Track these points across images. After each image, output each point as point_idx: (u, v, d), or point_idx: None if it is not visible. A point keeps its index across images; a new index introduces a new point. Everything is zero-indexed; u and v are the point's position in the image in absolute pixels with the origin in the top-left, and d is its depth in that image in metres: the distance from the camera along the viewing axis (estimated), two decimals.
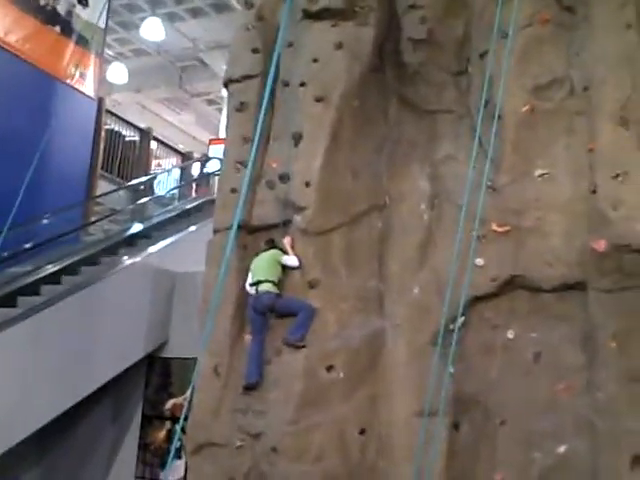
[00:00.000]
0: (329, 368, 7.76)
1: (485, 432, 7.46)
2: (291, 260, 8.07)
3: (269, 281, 8.02)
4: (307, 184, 8.13)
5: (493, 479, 7.28)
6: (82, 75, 15.33)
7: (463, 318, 7.33)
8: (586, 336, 7.20)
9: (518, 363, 7.49)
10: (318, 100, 8.30)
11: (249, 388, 7.92)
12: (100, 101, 16.21)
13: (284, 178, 8.35)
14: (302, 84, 8.47)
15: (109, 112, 17.51)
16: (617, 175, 7.06)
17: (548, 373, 7.32)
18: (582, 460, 6.93)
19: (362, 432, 7.73)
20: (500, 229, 7.69)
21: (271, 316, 8.10)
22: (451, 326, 7.31)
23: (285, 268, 8.12)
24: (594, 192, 7.22)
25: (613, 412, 6.77)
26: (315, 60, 8.46)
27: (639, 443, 6.58)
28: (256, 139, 6.61)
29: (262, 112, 5.79)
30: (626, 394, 6.73)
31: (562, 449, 7.09)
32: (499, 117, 7.61)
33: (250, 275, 8.26)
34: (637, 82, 7.32)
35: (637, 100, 7.27)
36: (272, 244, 8.25)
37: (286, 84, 8.73)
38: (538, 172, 7.72)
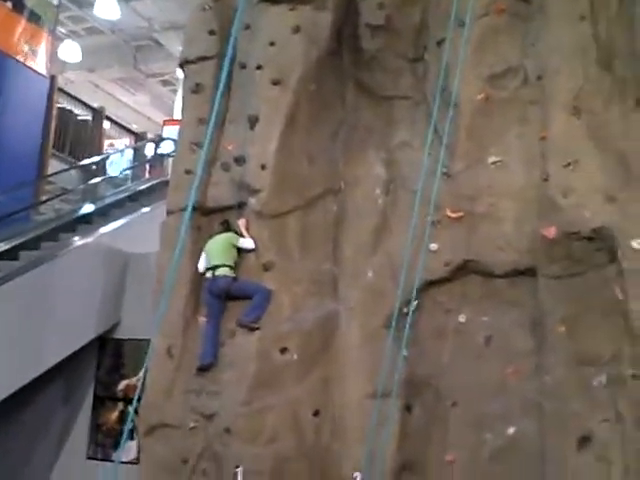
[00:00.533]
0: (283, 350, 7.80)
1: (437, 414, 7.60)
2: (247, 242, 8.08)
3: (226, 265, 8.02)
4: (262, 167, 8.13)
5: (445, 460, 7.43)
6: (34, 52, 15.04)
7: (416, 302, 7.41)
8: (536, 321, 7.36)
9: (469, 347, 7.63)
10: (275, 83, 8.29)
11: (203, 369, 7.92)
12: (52, 79, 15.92)
13: (239, 160, 8.34)
14: (259, 67, 8.45)
15: (61, 90, 17.21)
16: (568, 164, 7.20)
17: (498, 357, 7.48)
18: (531, 441, 7.10)
19: (316, 414, 7.80)
20: (454, 215, 7.80)
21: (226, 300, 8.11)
22: (404, 310, 7.38)
23: (240, 251, 8.13)
24: (546, 180, 7.36)
25: (560, 395, 6.93)
26: (272, 43, 8.44)
27: (585, 425, 6.74)
28: (212, 121, 6.54)
29: (218, 94, 5.73)
30: (573, 377, 6.89)
31: (511, 431, 7.26)
32: (455, 105, 7.68)
33: (204, 258, 8.24)
34: (590, 72, 7.46)
35: (589, 90, 7.41)
36: (227, 226, 8.24)
37: (243, 66, 8.69)
38: (492, 159, 7.84)
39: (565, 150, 7.28)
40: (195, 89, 8.86)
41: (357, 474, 7.38)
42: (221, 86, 6.73)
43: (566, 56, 7.56)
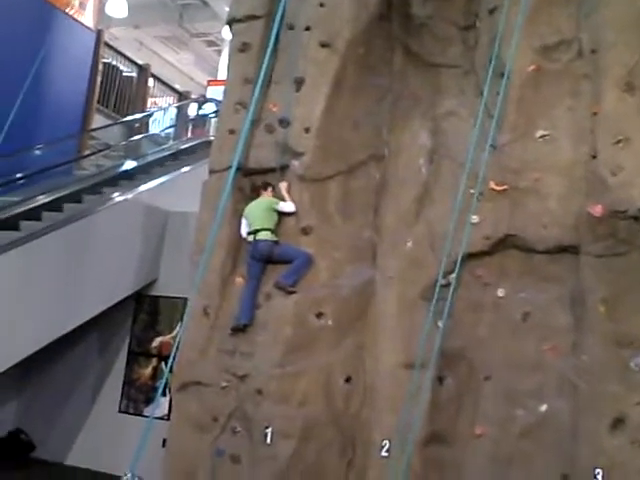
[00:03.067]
0: (318, 315, 7.82)
1: (469, 387, 7.56)
2: (287, 206, 8.06)
3: (266, 229, 8.02)
4: (307, 130, 8.08)
5: (474, 433, 7.40)
6: (82, 6, 15.07)
7: (455, 274, 7.34)
8: (575, 299, 7.26)
9: (506, 322, 7.55)
10: (323, 45, 8.20)
11: (238, 330, 7.96)
12: (99, 33, 15.95)
13: (284, 122, 8.29)
14: (307, 28, 8.36)
15: (107, 45, 17.23)
16: (618, 141, 7.03)
17: (535, 333, 7.40)
18: (562, 420, 7.04)
19: (347, 380, 7.82)
20: (497, 188, 7.68)
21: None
22: (442, 281, 7.32)
23: (280, 214, 8.11)
24: (594, 157, 7.20)
25: (596, 375, 6.85)
26: (322, 5, 8.34)
27: (620, 407, 6.67)
28: (259, 81, 6.51)
29: (267, 53, 5.69)
30: (610, 358, 6.81)
31: (544, 408, 7.20)
32: (505, 75, 7.52)
33: (244, 222, 8.25)
34: None
35: None
36: (266, 188, 8.21)
37: (291, 27, 8.61)
38: (539, 133, 7.68)
39: (616, 127, 7.10)
40: (242, 48, 8.79)
41: (386, 442, 7.42)
42: (270, 46, 6.73)
43: (622, 29, 7.34)
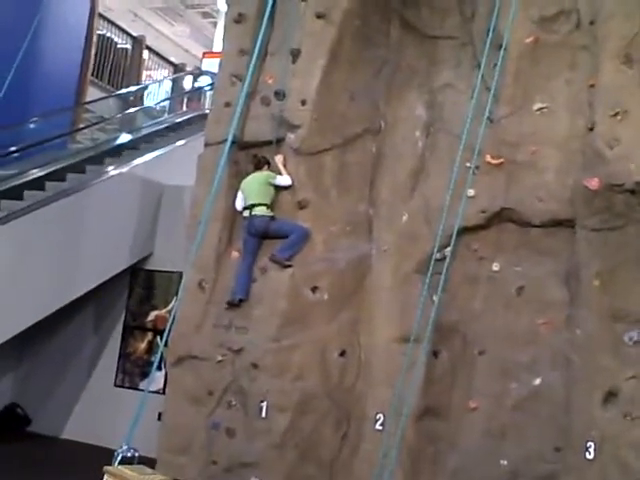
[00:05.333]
0: (314, 289, 7.81)
1: (463, 361, 7.58)
2: (284, 179, 8.01)
3: (262, 204, 7.97)
4: (303, 102, 8.01)
5: (468, 407, 7.43)
6: None
7: (450, 248, 7.32)
8: (570, 273, 7.25)
9: (501, 296, 7.56)
10: (319, 17, 8.12)
11: (233, 305, 7.95)
12: (93, 4, 15.70)
13: (279, 95, 8.22)
14: None
15: (101, 16, 17.02)
16: (616, 113, 6.95)
17: (530, 307, 7.41)
18: (556, 393, 7.07)
19: (342, 354, 7.84)
20: (494, 161, 7.64)
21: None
22: (438, 255, 7.30)
23: (277, 188, 8.07)
24: (591, 129, 7.14)
25: (590, 349, 6.85)
26: None
27: (612, 380, 6.67)
28: (255, 53, 6.45)
29: (263, 25, 5.62)
30: (604, 332, 6.80)
31: (537, 381, 7.24)
32: (502, 47, 7.45)
33: (240, 196, 8.20)
34: None
35: None
36: (261, 161, 8.15)
37: None
38: (537, 106, 7.63)
39: (614, 99, 7.02)
40: (237, 19, 8.70)
41: (380, 415, 7.45)
42: (265, 17, 6.66)
43: (621, 0, 7.25)
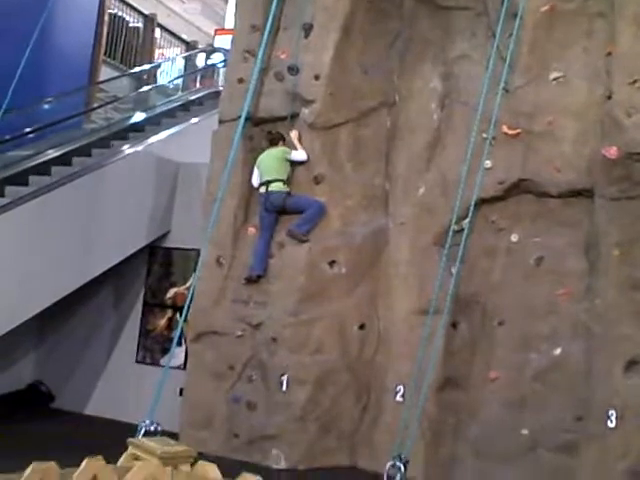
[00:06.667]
0: (331, 263, 7.84)
1: (483, 332, 7.58)
2: (299, 155, 8.00)
3: (279, 180, 7.97)
4: (316, 77, 7.99)
5: (488, 378, 7.44)
6: None
7: (469, 220, 7.30)
8: (589, 243, 7.22)
9: (520, 267, 7.53)
10: None
11: (251, 281, 7.98)
12: None
13: (293, 70, 8.19)
14: None
15: None
16: (634, 81, 6.87)
17: (549, 278, 7.38)
18: (576, 363, 7.06)
19: (361, 327, 7.88)
20: (510, 132, 7.59)
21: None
22: (455, 227, 7.27)
23: (292, 164, 8.06)
24: (609, 97, 7.07)
25: (610, 318, 6.83)
26: None
27: (633, 349, 6.66)
28: (267, 28, 6.41)
29: (275, 0, 5.58)
30: (625, 301, 6.77)
31: (557, 351, 7.22)
32: (518, 16, 7.36)
33: (256, 172, 8.20)
34: None
35: None
36: (276, 137, 8.14)
37: None
38: (553, 75, 7.56)
39: (632, 66, 6.93)
40: None
41: (400, 387, 7.48)
42: None
43: None
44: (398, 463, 5.18)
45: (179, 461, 3.19)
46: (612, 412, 6.50)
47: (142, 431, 4.56)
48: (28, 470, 2.71)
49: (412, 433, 5.89)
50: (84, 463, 2.91)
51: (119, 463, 3.19)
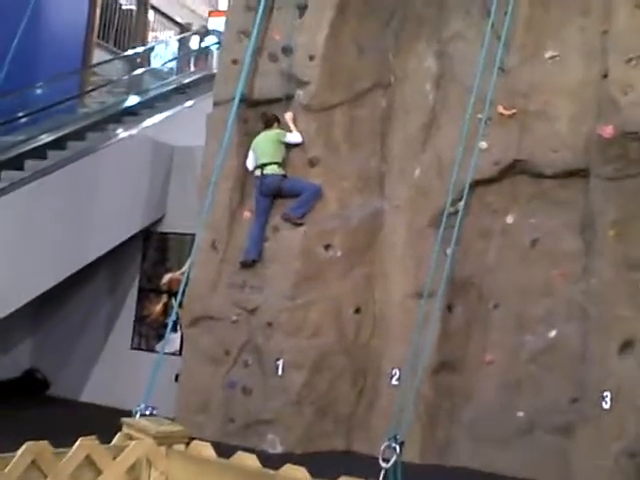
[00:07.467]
0: (327, 246, 7.80)
1: (478, 315, 7.57)
2: (294, 137, 7.94)
3: (274, 163, 7.91)
4: (311, 57, 7.92)
5: (484, 360, 7.43)
6: None
7: (464, 202, 7.24)
8: (585, 224, 7.18)
9: (515, 248, 7.51)
10: None
11: (246, 265, 7.94)
12: None
13: (287, 50, 8.11)
14: None
15: None
16: (630, 59, 6.82)
17: (544, 259, 7.36)
18: (572, 344, 7.04)
19: (357, 311, 7.85)
20: (506, 112, 7.54)
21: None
22: (451, 209, 7.20)
23: (288, 146, 8.00)
24: (605, 76, 7.01)
25: (606, 299, 6.81)
26: None
27: (629, 329, 6.65)
28: (261, 8, 6.34)
29: None
30: (620, 282, 6.75)
31: (553, 333, 7.21)
32: None
33: (251, 155, 8.14)
34: None
35: None
36: (270, 119, 8.07)
37: None
38: (549, 54, 7.50)
39: (627, 45, 6.88)
40: None
41: (396, 370, 7.46)
42: None
43: None
44: (394, 444, 5.15)
45: (174, 441, 3.17)
46: (607, 394, 6.49)
47: (137, 415, 4.54)
48: (21, 449, 2.69)
49: (408, 416, 5.86)
50: (77, 443, 2.89)
51: (113, 443, 3.17)
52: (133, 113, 12.26)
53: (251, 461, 2.81)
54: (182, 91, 13.68)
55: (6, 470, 2.66)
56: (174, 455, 3.13)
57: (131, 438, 3.22)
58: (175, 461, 3.09)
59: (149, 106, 12.62)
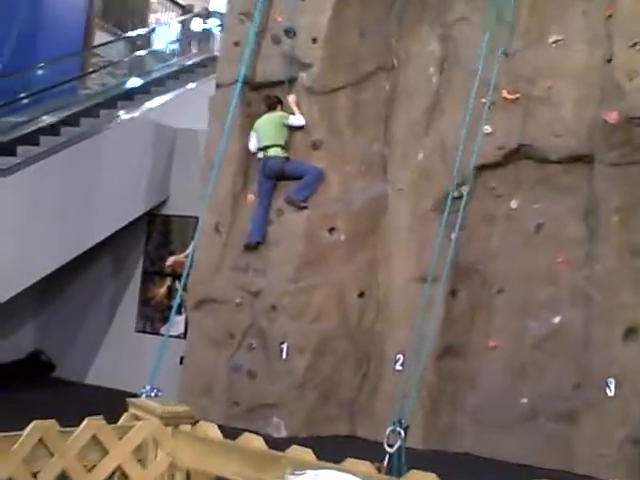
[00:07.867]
0: (330, 230, 7.79)
1: (482, 300, 7.56)
2: (297, 119, 7.91)
3: (276, 145, 7.90)
4: (314, 40, 7.88)
5: (488, 345, 7.43)
6: None
7: (467, 186, 7.24)
8: (589, 209, 7.17)
9: (519, 233, 7.49)
10: None
11: (250, 248, 7.95)
12: None
13: (290, 33, 8.06)
14: None
15: None
16: (635, 44, 6.78)
17: (548, 245, 7.34)
18: (575, 330, 7.04)
19: (361, 295, 7.85)
20: (510, 96, 7.50)
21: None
22: (454, 193, 7.21)
23: (290, 129, 7.98)
24: (609, 61, 6.97)
25: (610, 285, 6.81)
26: None
27: (633, 316, 6.66)
28: None
29: None
30: (624, 268, 6.76)
31: (557, 319, 7.20)
32: None
33: (254, 137, 8.12)
34: None
35: None
36: (273, 101, 8.05)
37: None
38: (553, 38, 7.45)
39: (632, 29, 6.83)
40: None
41: (400, 356, 7.47)
42: None
43: None
44: (398, 428, 5.18)
45: (180, 421, 3.18)
46: (611, 380, 6.51)
47: (143, 397, 4.57)
48: (29, 428, 2.71)
49: (411, 401, 5.89)
50: (84, 422, 2.90)
51: (119, 423, 3.18)
52: (135, 96, 12.22)
53: (258, 442, 2.83)
54: (184, 73, 13.63)
55: (13, 448, 2.68)
56: (180, 435, 3.13)
57: (137, 418, 3.22)
58: (181, 441, 3.10)
59: (152, 89, 12.58)
